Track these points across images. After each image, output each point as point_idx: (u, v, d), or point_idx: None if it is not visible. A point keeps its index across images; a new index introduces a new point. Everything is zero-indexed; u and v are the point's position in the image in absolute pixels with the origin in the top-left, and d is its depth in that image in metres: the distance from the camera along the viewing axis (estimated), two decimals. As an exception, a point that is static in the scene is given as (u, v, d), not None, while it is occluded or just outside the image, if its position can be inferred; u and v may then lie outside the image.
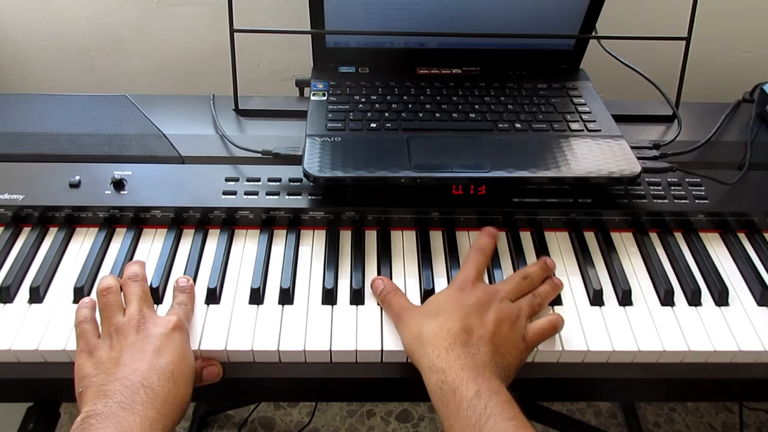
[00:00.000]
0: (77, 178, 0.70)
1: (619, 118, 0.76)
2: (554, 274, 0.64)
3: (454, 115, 0.75)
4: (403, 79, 0.81)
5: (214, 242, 0.68)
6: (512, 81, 0.82)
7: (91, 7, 0.99)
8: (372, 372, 0.60)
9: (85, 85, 1.09)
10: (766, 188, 0.73)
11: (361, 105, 0.76)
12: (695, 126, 0.81)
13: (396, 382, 0.60)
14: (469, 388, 0.50)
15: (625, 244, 0.70)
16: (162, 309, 0.61)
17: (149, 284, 0.62)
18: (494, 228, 0.67)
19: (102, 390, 0.51)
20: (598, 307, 0.63)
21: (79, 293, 0.62)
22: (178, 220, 0.70)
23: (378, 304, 0.62)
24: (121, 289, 0.61)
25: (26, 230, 0.69)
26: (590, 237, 0.70)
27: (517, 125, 0.74)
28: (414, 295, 0.63)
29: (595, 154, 0.70)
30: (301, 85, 0.85)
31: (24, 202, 0.68)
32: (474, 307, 0.57)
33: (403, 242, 0.69)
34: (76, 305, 0.61)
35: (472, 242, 0.69)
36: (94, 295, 0.61)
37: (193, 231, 0.69)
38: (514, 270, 0.66)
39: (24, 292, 0.63)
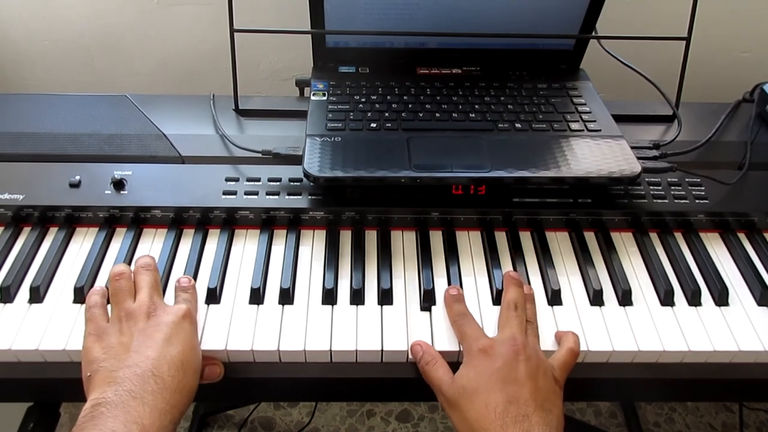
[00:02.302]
0: (77, 178, 0.70)
1: (619, 118, 0.76)
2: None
3: (454, 115, 0.75)
4: (403, 79, 0.81)
5: (214, 242, 0.68)
6: (512, 81, 0.82)
7: (91, 7, 0.99)
8: (372, 372, 0.60)
9: (85, 85, 1.09)
10: (766, 188, 0.73)
11: (361, 105, 0.76)
12: (695, 126, 0.81)
13: (396, 381, 0.60)
14: None
15: (625, 244, 0.70)
16: (162, 309, 0.61)
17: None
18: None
19: (112, 376, 0.51)
20: (598, 307, 0.63)
21: (80, 293, 0.62)
22: (178, 220, 0.70)
23: (379, 304, 0.62)
24: None
25: (26, 230, 0.69)
26: (590, 237, 0.70)
27: (517, 125, 0.74)
28: (413, 295, 0.63)
29: (595, 154, 0.70)
30: (301, 85, 0.85)
31: (24, 202, 0.68)
32: (506, 370, 0.54)
33: (403, 242, 0.69)
34: (76, 305, 0.62)
35: (471, 242, 0.69)
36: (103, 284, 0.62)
37: (193, 231, 0.69)
38: (514, 269, 0.66)
39: (24, 292, 0.63)
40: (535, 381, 0.54)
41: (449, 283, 0.64)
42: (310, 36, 0.81)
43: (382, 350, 0.59)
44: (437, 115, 0.75)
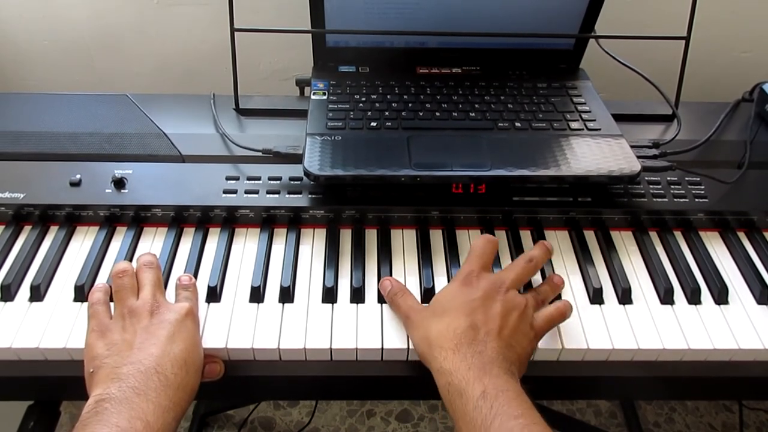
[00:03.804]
0: (78, 176, 0.70)
1: (618, 118, 0.76)
2: (553, 268, 0.65)
3: (454, 114, 0.75)
4: (404, 79, 0.81)
5: (214, 241, 0.68)
6: (512, 80, 0.82)
7: (91, 7, 0.99)
8: (372, 370, 0.60)
9: (85, 85, 1.09)
10: (766, 187, 0.73)
11: (361, 104, 0.76)
12: (695, 125, 0.81)
13: (396, 380, 0.60)
14: (476, 388, 0.50)
15: (625, 243, 0.70)
16: (162, 307, 0.61)
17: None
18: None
19: (115, 372, 0.51)
20: (598, 306, 0.63)
21: (80, 292, 0.62)
22: (179, 219, 0.70)
23: (379, 302, 0.62)
24: None
25: (27, 229, 0.69)
26: (590, 236, 0.71)
27: (517, 124, 0.74)
28: (414, 294, 0.63)
29: (595, 153, 0.70)
30: (302, 84, 0.85)
31: (25, 201, 0.68)
32: (480, 302, 0.56)
33: (404, 241, 0.69)
34: (76, 303, 0.62)
35: (472, 241, 0.69)
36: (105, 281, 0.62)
37: (193, 230, 0.69)
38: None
39: (25, 291, 0.63)
40: (506, 319, 0.55)
41: (454, 276, 0.64)
42: (310, 35, 0.81)
43: (382, 348, 0.59)
44: (437, 114, 0.75)
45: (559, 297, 0.63)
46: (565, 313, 0.59)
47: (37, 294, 0.62)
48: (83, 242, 0.68)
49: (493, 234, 0.70)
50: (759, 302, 0.64)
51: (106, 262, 0.66)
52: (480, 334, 0.54)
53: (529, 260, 0.61)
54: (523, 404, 0.49)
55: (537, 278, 0.65)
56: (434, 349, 0.54)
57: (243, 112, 0.82)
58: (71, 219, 0.70)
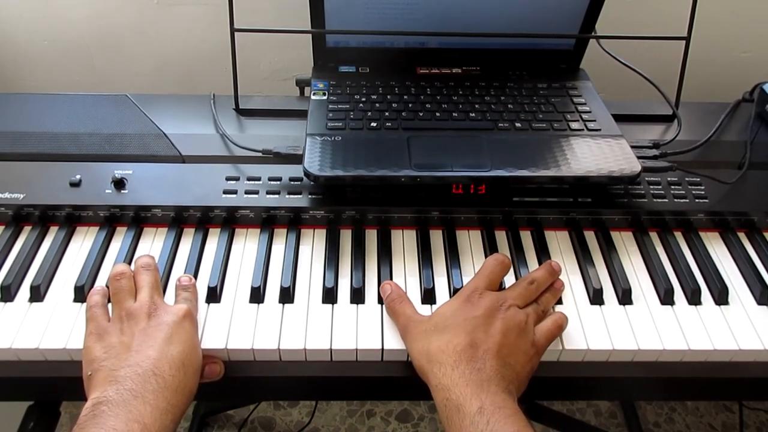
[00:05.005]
0: (78, 177, 0.70)
1: (619, 118, 0.76)
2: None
3: (455, 114, 0.75)
4: (404, 79, 0.81)
5: (214, 241, 0.68)
6: (512, 81, 0.82)
7: (91, 7, 0.99)
8: (372, 371, 0.60)
9: (85, 85, 1.09)
10: (766, 188, 0.73)
11: (361, 104, 0.76)
12: (695, 126, 0.81)
13: (396, 380, 0.60)
14: (473, 404, 0.50)
15: (625, 244, 0.70)
16: (162, 308, 0.61)
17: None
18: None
19: (113, 375, 0.51)
20: (598, 306, 0.63)
21: (80, 292, 0.62)
22: (179, 219, 0.70)
23: (379, 303, 0.62)
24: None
25: (27, 229, 0.69)
26: (590, 236, 0.71)
27: (517, 124, 0.74)
28: (414, 295, 0.63)
29: (595, 154, 0.70)
30: (302, 84, 0.85)
31: (24, 201, 0.68)
32: (481, 320, 0.56)
33: (404, 241, 0.69)
34: (76, 304, 0.62)
35: (472, 241, 0.69)
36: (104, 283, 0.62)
37: (193, 230, 0.69)
38: (515, 269, 0.66)
39: (24, 291, 0.63)
40: (506, 337, 0.55)
41: (450, 283, 0.64)
42: (310, 36, 0.81)
43: (382, 349, 0.59)
44: (437, 114, 0.75)
45: (559, 298, 0.63)
46: (561, 326, 0.59)
47: (37, 294, 0.62)
48: (83, 243, 0.68)
49: (493, 234, 0.70)
50: (759, 303, 0.64)
51: (106, 262, 0.66)
52: (479, 352, 0.54)
53: (531, 282, 0.61)
54: (519, 422, 0.49)
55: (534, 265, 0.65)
56: (433, 365, 0.54)
57: (243, 113, 0.82)
58: (71, 219, 0.70)
